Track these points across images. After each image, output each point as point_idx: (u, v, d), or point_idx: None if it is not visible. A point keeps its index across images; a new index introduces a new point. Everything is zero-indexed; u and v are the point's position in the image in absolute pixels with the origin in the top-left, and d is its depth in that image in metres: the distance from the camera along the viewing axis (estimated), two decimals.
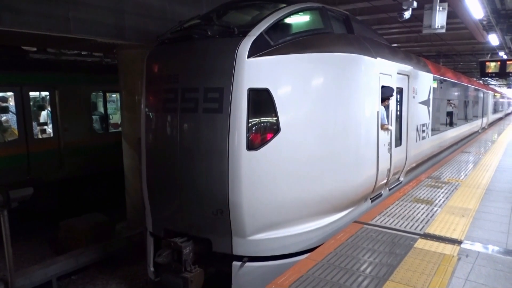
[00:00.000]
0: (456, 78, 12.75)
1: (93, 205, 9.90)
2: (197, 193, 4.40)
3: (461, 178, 7.85)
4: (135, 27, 7.49)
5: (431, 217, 5.32)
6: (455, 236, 4.64)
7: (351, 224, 5.02)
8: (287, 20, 4.70)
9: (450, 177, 7.87)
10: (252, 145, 4.20)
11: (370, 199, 6.08)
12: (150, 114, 4.89)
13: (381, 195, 6.48)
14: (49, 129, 9.68)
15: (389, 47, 7.07)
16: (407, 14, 6.55)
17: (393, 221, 5.11)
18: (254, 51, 4.14)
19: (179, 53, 4.59)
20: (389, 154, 6.23)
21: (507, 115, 39.91)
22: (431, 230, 4.82)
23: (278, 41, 4.34)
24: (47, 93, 9.59)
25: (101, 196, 10.51)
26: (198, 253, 4.55)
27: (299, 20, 4.93)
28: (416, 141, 7.78)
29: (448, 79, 10.98)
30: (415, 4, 6.35)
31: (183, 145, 4.45)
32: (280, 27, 4.52)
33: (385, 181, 6.34)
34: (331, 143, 4.79)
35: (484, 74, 9.49)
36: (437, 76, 9.47)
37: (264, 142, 4.26)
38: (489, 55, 16.69)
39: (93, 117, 10.57)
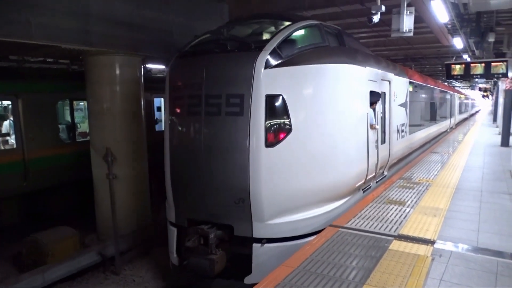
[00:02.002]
0: (428, 82, 13.67)
1: (62, 217, 9.50)
2: (221, 185, 5.05)
3: (431, 178, 8.02)
4: (102, 32, 7.28)
5: (404, 218, 5.38)
6: (428, 236, 4.70)
7: (326, 228, 5.00)
8: (293, 36, 5.39)
9: (421, 178, 8.03)
10: (269, 143, 4.92)
11: (362, 190, 6.72)
12: (175, 117, 5.49)
13: (371, 186, 7.12)
14: (11, 139, 9.24)
15: (373, 56, 7.81)
16: (376, 18, 6.69)
17: (367, 224, 5.13)
18: (269, 63, 4.90)
19: (202, 65, 5.18)
20: (376, 150, 6.96)
21: (471, 115, 41.49)
22: (404, 231, 4.87)
23: (288, 54, 5.08)
24: (9, 102, 9.16)
25: (70, 207, 10.11)
26: (220, 238, 5.18)
27: (302, 36, 5.58)
28: (397, 139, 8.55)
29: (421, 83, 11.93)
30: (383, 8, 6.48)
31: (207, 143, 5.09)
32: (288, 42, 5.22)
33: (373, 174, 7.00)
34: (332, 141, 5.51)
35: (450, 76, 9.80)
36: (412, 80, 10.39)
37: (279, 140, 4.98)
38: (454, 58, 17.31)
39: (60, 126, 10.19)
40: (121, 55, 7.97)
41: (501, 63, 8.89)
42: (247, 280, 5.03)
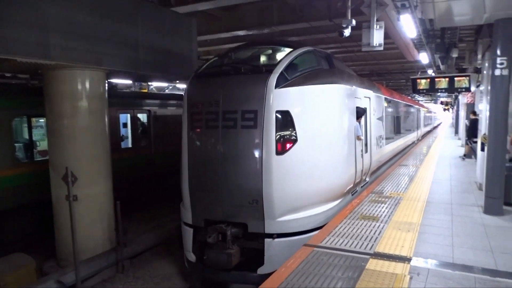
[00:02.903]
0: (398, 97, 14.95)
1: (20, 242, 8.82)
2: (237, 188, 5.82)
3: (402, 191, 8.05)
4: (62, 45, 6.89)
5: (379, 234, 5.28)
6: (404, 253, 4.60)
7: (301, 248, 4.82)
8: (295, 61, 6.27)
9: (391, 191, 8.04)
10: (279, 152, 5.74)
11: (351, 193, 7.55)
12: (194, 130, 6.24)
13: (357, 191, 7.99)
14: None
15: (356, 76, 8.91)
16: (347, 32, 6.76)
17: (343, 242, 4.98)
18: (278, 84, 5.78)
19: (219, 85, 6.06)
20: (361, 159, 7.87)
21: (434, 128, 43.01)
22: (380, 248, 4.75)
23: (292, 76, 5.98)
24: None
25: (29, 231, 9.41)
26: (235, 235, 5.91)
27: (302, 60, 6.45)
28: (376, 149, 9.53)
29: (393, 99, 13.29)
30: (353, 22, 6.53)
31: (225, 152, 5.87)
32: (292, 66, 6.12)
33: (359, 179, 7.87)
34: (329, 149, 6.37)
35: (416, 90, 9.98)
36: (387, 96, 11.73)
37: (287, 149, 5.80)
38: (419, 73, 17.88)
39: (16, 144, 9.55)
40: (83, 69, 7.58)
41: (464, 77, 9.14)
42: (260, 270, 5.80)
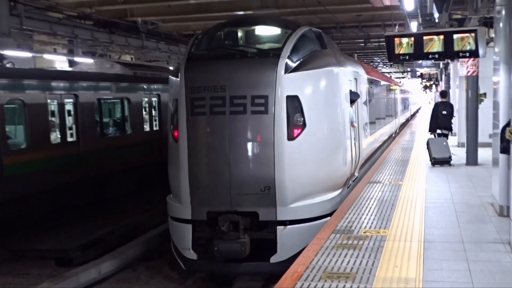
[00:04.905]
0: (378, 76, 18.60)
1: None
2: (248, 176, 9.11)
3: (382, 226, 8.33)
4: None
5: None
6: None
7: None
8: (298, 44, 9.85)
9: (366, 228, 8.28)
10: (290, 137, 9.14)
11: (347, 186, 11.33)
12: (195, 117, 9.42)
13: (350, 184, 11.75)
14: None
15: (343, 54, 13.47)
16: None
17: None
18: (287, 68, 9.23)
19: (225, 69, 9.39)
20: (355, 147, 11.81)
21: (412, 116, 45.98)
22: None
23: (296, 60, 9.57)
24: None
25: None
26: (243, 225, 9.14)
27: (303, 42, 10.09)
28: (364, 139, 13.58)
29: (374, 78, 17.58)
30: None
31: (233, 139, 9.11)
32: (295, 49, 9.71)
33: (354, 170, 11.87)
34: (334, 135, 10.17)
35: (393, 56, 10.33)
36: (370, 77, 16.12)
37: (297, 135, 9.22)
38: (396, 28, 18.84)
39: None
40: None
41: (467, 34, 9.69)
42: (273, 259, 9.06)
